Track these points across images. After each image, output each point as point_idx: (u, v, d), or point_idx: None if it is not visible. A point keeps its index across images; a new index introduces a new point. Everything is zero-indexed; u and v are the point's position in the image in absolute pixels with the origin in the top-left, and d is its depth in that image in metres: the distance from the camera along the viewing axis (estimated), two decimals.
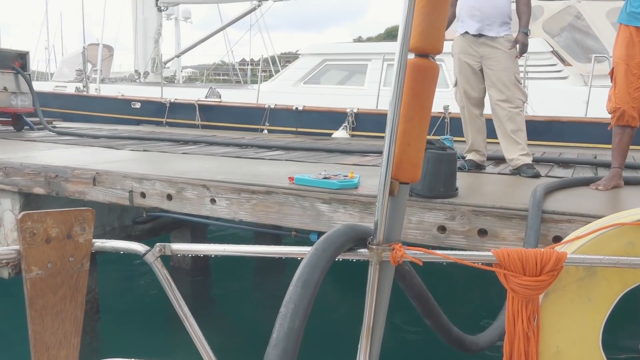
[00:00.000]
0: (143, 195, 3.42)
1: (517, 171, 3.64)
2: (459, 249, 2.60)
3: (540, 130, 6.56)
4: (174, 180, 3.31)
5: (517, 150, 3.63)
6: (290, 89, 8.91)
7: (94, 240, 1.31)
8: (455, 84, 3.89)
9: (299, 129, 8.04)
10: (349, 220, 2.82)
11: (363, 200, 2.79)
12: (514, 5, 3.73)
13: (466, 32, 3.72)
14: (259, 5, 12.05)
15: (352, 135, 7.59)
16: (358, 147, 5.50)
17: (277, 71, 20.12)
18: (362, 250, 1.26)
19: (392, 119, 1.17)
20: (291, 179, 3.15)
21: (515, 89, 3.62)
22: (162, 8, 12.87)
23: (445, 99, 7.59)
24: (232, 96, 8.98)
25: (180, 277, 5.38)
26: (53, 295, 1.25)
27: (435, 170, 2.69)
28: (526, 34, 3.59)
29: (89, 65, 11.75)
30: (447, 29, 4.00)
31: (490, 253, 1.26)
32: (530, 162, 3.61)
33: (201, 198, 3.22)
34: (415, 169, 1.23)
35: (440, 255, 1.26)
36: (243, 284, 5.51)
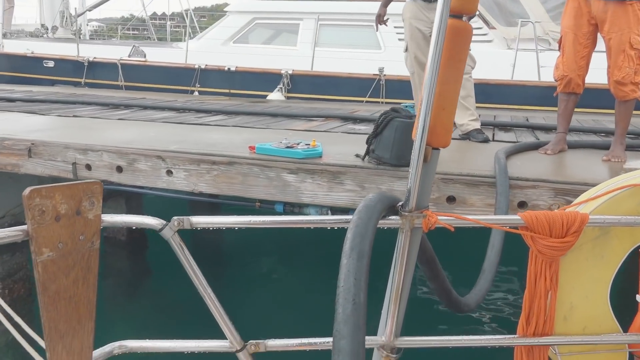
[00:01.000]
0: (88, 167, 3.18)
1: (467, 136, 3.75)
2: None
3: None
4: (125, 151, 3.10)
5: (466, 115, 3.73)
6: (219, 49, 8.53)
7: (103, 215, 1.20)
8: (406, 50, 3.90)
9: (231, 91, 7.78)
10: (317, 191, 2.79)
11: (331, 170, 2.76)
12: None
13: None
14: None
15: (288, 97, 7.48)
16: (301, 110, 5.43)
17: (192, 27, 19.22)
18: (394, 217, 1.25)
19: (430, 83, 1.14)
20: (252, 148, 3.05)
21: None
22: None
23: (378, 60, 7.67)
24: (158, 55, 8.47)
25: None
26: (65, 278, 1.13)
27: (404, 139, 2.70)
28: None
29: None
30: None
31: (518, 217, 1.30)
32: (479, 127, 3.74)
33: (156, 170, 3.04)
34: (447, 134, 1.23)
35: (471, 220, 1.29)
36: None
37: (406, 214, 1.22)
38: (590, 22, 2.99)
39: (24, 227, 1.07)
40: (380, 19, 3.95)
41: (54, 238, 1.09)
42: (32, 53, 8.76)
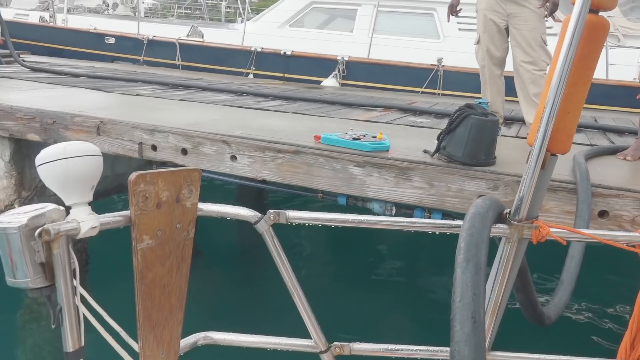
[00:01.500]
0: (154, 148, 3.21)
1: None
2: None
3: None
4: (190, 134, 3.11)
5: None
6: (275, 32, 8.50)
7: (199, 204, 1.18)
8: (478, 42, 3.76)
9: (286, 75, 7.76)
10: (383, 185, 2.73)
11: (400, 165, 2.69)
12: None
13: None
14: None
15: (342, 84, 7.39)
16: (358, 99, 5.35)
17: (244, 9, 19.25)
18: (501, 225, 1.18)
19: (558, 84, 1.05)
20: (317, 137, 3.00)
21: (541, 50, 3.53)
22: None
23: (437, 50, 7.46)
24: (215, 36, 8.52)
25: None
26: (161, 267, 1.13)
27: (478, 137, 2.60)
28: None
29: None
30: None
31: (637, 234, 1.21)
32: None
33: (220, 154, 3.05)
34: (569, 140, 1.14)
35: (586, 235, 1.21)
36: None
37: (516, 223, 1.15)
38: None
39: (127, 212, 1.06)
40: (453, 9, 3.81)
41: (154, 225, 1.08)
42: (94, 29, 8.97)
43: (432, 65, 7.11)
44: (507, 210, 1.18)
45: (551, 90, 1.03)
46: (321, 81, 7.44)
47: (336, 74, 7.42)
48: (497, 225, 1.17)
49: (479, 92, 3.88)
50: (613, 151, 3.16)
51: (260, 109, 4.32)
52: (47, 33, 9.22)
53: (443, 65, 7.04)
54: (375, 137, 3.00)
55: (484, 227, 1.04)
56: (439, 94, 7.00)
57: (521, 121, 4.17)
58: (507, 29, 3.62)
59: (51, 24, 9.71)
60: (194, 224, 1.15)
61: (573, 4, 1.00)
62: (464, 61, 6.59)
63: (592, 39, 1.04)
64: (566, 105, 1.07)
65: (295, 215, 1.21)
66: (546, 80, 1.07)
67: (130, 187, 1.02)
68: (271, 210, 1.20)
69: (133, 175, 1.03)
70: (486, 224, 1.06)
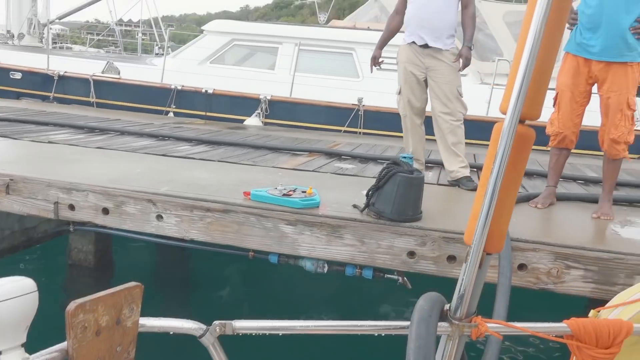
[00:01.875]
0: (72, 207, 3.03)
1: (457, 182, 3.78)
2: (428, 274, 2.65)
3: None
4: (112, 193, 2.97)
5: (457, 162, 3.76)
6: (195, 69, 8.40)
7: (140, 319, 1.11)
8: (399, 92, 3.91)
9: (208, 113, 7.66)
10: (315, 243, 2.73)
11: (331, 223, 2.71)
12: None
13: (413, 42, 3.74)
14: None
15: (265, 123, 7.41)
16: (283, 142, 5.38)
17: (159, 35, 18.93)
18: (442, 323, 1.20)
19: (492, 190, 1.11)
20: (247, 194, 2.97)
21: (458, 102, 3.73)
22: None
23: (357, 90, 7.69)
24: (132, 72, 8.25)
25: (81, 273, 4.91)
26: None
27: (405, 195, 2.68)
28: (470, 48, 3.69)
29: None
30: (393, 37, 4.01)
31: (565, 325, 1.27)
32: (469, 175, 3.77)
33: (145, 214, 2.93)
34: (502, 239, 1.19)
35: (519, 329, 1.25)
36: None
37: (456, 322, 1.18)
38: (588, 81, 3.06)
39: (62, 345, 0.97)
40: (376, 61, 3.95)
41: (93, 355, 1.00)
42: None
43: (352, 104, 7.31)
44: (447, 307, 1.21)
45: (486, 197, 1.08)
46: (244, 120, 7.41)
47: (259, 113, 7.42)
48: (439, 323, 1.20)
49: (399, 131, 4.02)
50: (526, 199, 3.38)
51: (185, 157, 4.22)
52: None
53: (363, 105, 7.26)
54: (305, 191, 3.02)
55: (429, 335, 1.07)
56: (360, 132, 7.19)
57: (440, 164, 4.36)
58: (426, 81, 3.80)
59: None
60: (135, 343, 1.08)
61: (504, 113, 1.06)
62: (383, 100, 6.84)
63: (520, 147, 1.10)
64: (500, 209, 1.12)
65: (243, 325, 1.16)
66: (479, 184, 1.13)
67: (68, 319, 0.95)
68: (217, 322, 1.15)
69: (72, 306, 0.95)
70: (431, 331, 1.08)
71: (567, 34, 3.23)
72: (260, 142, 5.25)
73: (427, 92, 3.85)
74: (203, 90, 7.68)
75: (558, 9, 1.04)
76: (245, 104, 7.54)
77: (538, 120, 1.18)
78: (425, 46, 3.70)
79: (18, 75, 8.24)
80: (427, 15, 3.65)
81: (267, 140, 5.55)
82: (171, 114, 7.66)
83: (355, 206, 2.89)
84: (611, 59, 2.95)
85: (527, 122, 1.17)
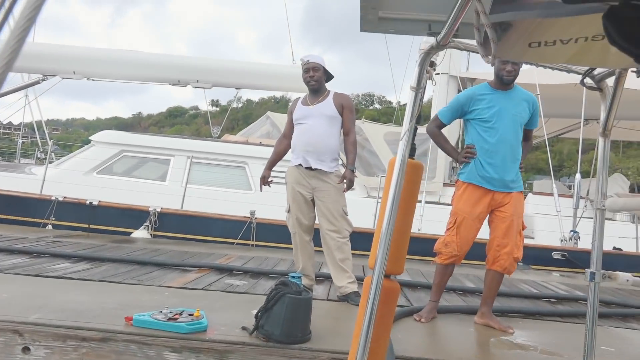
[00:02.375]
0: None
1: (345, 298, 3.87)
2: None
3: None
4: None
5: (345, 278, 3.87)
6: (79, 179, 8.08)
7: None
8: (289, 210, 4.05)
9: (91, 226, 7.28)
10: None
11: (219, 348, 2.62)
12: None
13: (300, 165, 3.96)
14: (43, 79, 10.96)
15: (154, 236, 7.18)
16: (172, 257, 5.22)
17: (42, 139, 18.17)
18: None
19: (364, 344, 1.19)
20: (128, 319, 2.81)
21: (343, 220, 3.93)
22: None
23: (249, 202, 7.80)
24: (8, 182, 7.74)
25: None
26: None
27: (294, 316, 2.70)
28: (352, 171, 3.98)
29: None
30: (281, 159, 4.22)
31: None
32: (357, 290, 3.88)
33: (9, 347, 2.63)
34: None
35: None
36: None
37: None
38: (488, 208, 3.41)
39: None
40: (265, 180, 4.11)
41: None
42: None
43: (245, 217, 7.37)
44: None
45: (360, 343, 1.16)
46: (131, 232, 7.13)
47: (148, 225, 7.20)
48: None
49: (289, 243, 4.09)
50: (409, 313, 3.52)
51: (62, 277, 3.93)
52: None
53: (256, 218, 7.33)
54: (192, 314, 2.92)
55: None
56: (253, 245, 7.20)
57: (330, 277, 4.45)
58: (313, 200, 3.99)
59: None
60: None
61: (371, 268, 1.18)
62: (275, 213, 6.98)
63: (386, 301, 1.24)
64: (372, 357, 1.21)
65: None
66: (354, 335, 1.22)
67: None
68: None
69: None
70: None
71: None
72: (146, 257, 5.05)
73: (315, 211, 4.02)
74: (87, 202, 7.35)
75: (412, 182, 1.23)
76: (133, 215, 7.30)
77: None
78: (310, 168, 3.93)
79: None
80: (312, 140, 3.92)
81: (155, 255, 5.36)
82: (50, 227, 7.17)
83: (244, 328, 2.83)
84: (512, 190, 3.37)
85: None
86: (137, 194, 7.71)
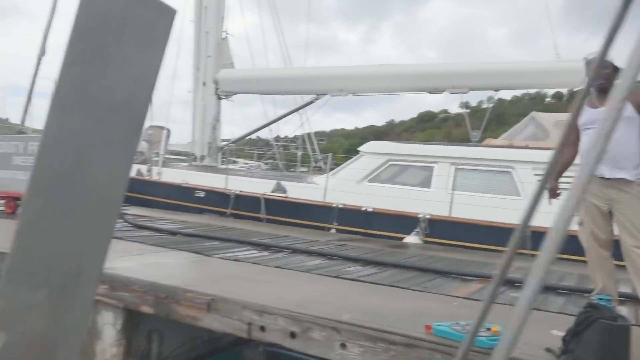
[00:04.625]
0: (263, 329, 3.26)
1: None
2: None
3: None
4: (299, 318, 3.15)
5: None
6: (353, 187, 8.87)
7: None
8: (581, 223, 3.73)
9: (367, 231, 7.91)
10: None
11: None
12: None
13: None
14: (316, 99, 12.35)
15: (425, 242, 7.41)
16: (450, 265, 5.32)
17: (313, 149, 20.44)
18: None
19: None
20: (428, 328, 2.96)
21: None
22: (222, 96, 13.31)
23: (518, 210, 7.44)
24: (297, 191, 8.97)
25: None
26: None
27: (611, 345, 2.47)
28: None
29: (146, 145, 11.97)
30: (567, 169, 3.88)
31: None
32: None
33: (330, 341, 3.04)
34: None
35: None
36: None
37: None
38: None
39: None
40: (554, 193, 3.85)
41: None
42: (186, 183, 9.70)
43: (516, 225, 7.05)
44: None
45: None
46: (402, 238, 7.52)
47: (418, 232, 7.48)
48: None
49: (572, 254, 3.75)
50: None
51: (356, 280, 4.36)
52: (142, 185, 10.02)
53: (531, 226, 6.95)
54: (490, 328, 2.92)
55: None
56: (531, 255, 6.84)
57: (634, 298, 3.95)
58: (610, 213, 3.60)
59: (147, 177, 10.61)
60: None
61: None
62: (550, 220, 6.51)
63: None
64: None
65: None
66: None
67: None
68: None
69: None
70: None
71: None
72: (425, 264, 5.26)
73: (612, 224, 3.63)
74: (363, 209, 8.02)
75: None
76: (403, 221, 7.68)
77: None
78: (605, 178, 3.55)
79: (202, 194, 9.39)
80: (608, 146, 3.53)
81: (432, 261, 5.54)
82: (333, 231, 8.04)
83: (549, 350, 2.72)
84: None
85: None
86: (403, 201, 8.08)
